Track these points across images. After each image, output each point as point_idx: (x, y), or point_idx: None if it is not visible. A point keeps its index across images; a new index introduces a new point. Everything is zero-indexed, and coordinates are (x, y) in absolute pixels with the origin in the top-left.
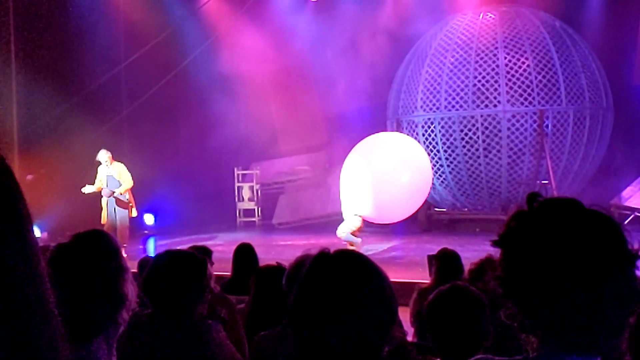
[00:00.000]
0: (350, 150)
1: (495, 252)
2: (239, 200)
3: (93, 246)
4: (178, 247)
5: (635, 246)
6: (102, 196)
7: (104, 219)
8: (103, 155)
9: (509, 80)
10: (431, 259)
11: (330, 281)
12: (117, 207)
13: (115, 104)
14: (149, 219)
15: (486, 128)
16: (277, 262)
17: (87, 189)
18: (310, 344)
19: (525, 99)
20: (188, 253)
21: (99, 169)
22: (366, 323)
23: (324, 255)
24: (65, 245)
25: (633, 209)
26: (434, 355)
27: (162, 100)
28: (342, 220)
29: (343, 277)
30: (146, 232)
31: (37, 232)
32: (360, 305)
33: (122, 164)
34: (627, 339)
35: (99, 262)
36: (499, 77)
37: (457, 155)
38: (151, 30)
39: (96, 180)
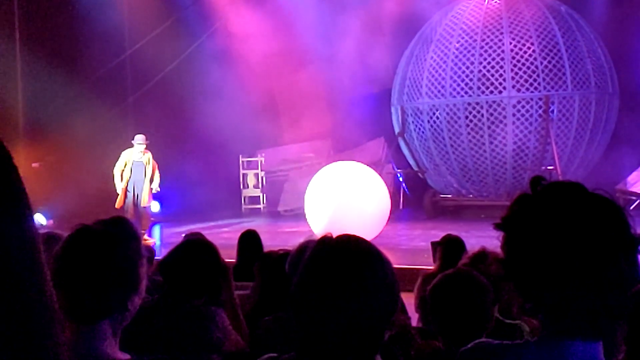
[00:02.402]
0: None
1: (498, 238)
2: (244, 187)
3: (115, 230)
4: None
5: (638, 231)
6: (120, 180)
7: (119, 202)
8: (140, 144)
9: (514, 65)
10: (435, 245)
11: (331, 266)
12: (140, 194)
13: (120, 91)
14: (154, 206)
15: (491, 114)
16: (280, 249)
17: (120, 183)
18: (311, 329)
19: (531, 84)
20: (207, 242)
21: (125, 153)
22: (367, 308)
23: (326, 239)
24: (87, 227)
25: (638, 194)
26: (436, 340)
27: (167, 87)
28: None
29: (345, 262)
30: (152, 219)
31: (43, 220)
32: (361, 291)
33: (150, 153)
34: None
35: (120, 246)
36: (504, 63)
37: (462, 141)
38: (156, 17)
39: (118, 165)
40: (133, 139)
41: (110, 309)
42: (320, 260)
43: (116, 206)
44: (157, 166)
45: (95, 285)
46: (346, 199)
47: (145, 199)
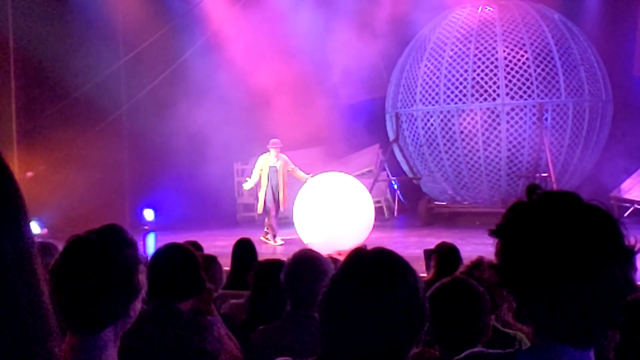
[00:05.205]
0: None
1: (493, 246)
2: (238, 195)
3: (110, 238)
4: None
5: (632, 241)
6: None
7: (260, 208)
8: (273, 148)
9: (508, 73)
10: (429, 253)
11: (365, 277)
12: (279, 199)
13: (114, 99)
14: (148, 214)
15: (485, 121)
16: (275, 258)
17: (248, 185)
18: (338, 337)
19: (525, 92)
20: (185, 248)
21: (262, 158)
22: (397, 322)
23: (360, 251)
24: (81, 238)
25: (632, 202)
26: (432, 349)
27: (162, 96)
28: None
29: (378, 274)
30: (146, 227)
31: (37, 229)
32: (392, 304)
33: (285, 156)
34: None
35: (116, 253)
36: (498, 70)
37: (457, 148)
38: (150, 26)
39: (255, 171)
40: (268, 144)
41: (113, 316)
42: (354, 270)
43: (258, 212)
44: (293, 169)
45: (95, 295)
46: (332, 209)
47: (282, 203)
